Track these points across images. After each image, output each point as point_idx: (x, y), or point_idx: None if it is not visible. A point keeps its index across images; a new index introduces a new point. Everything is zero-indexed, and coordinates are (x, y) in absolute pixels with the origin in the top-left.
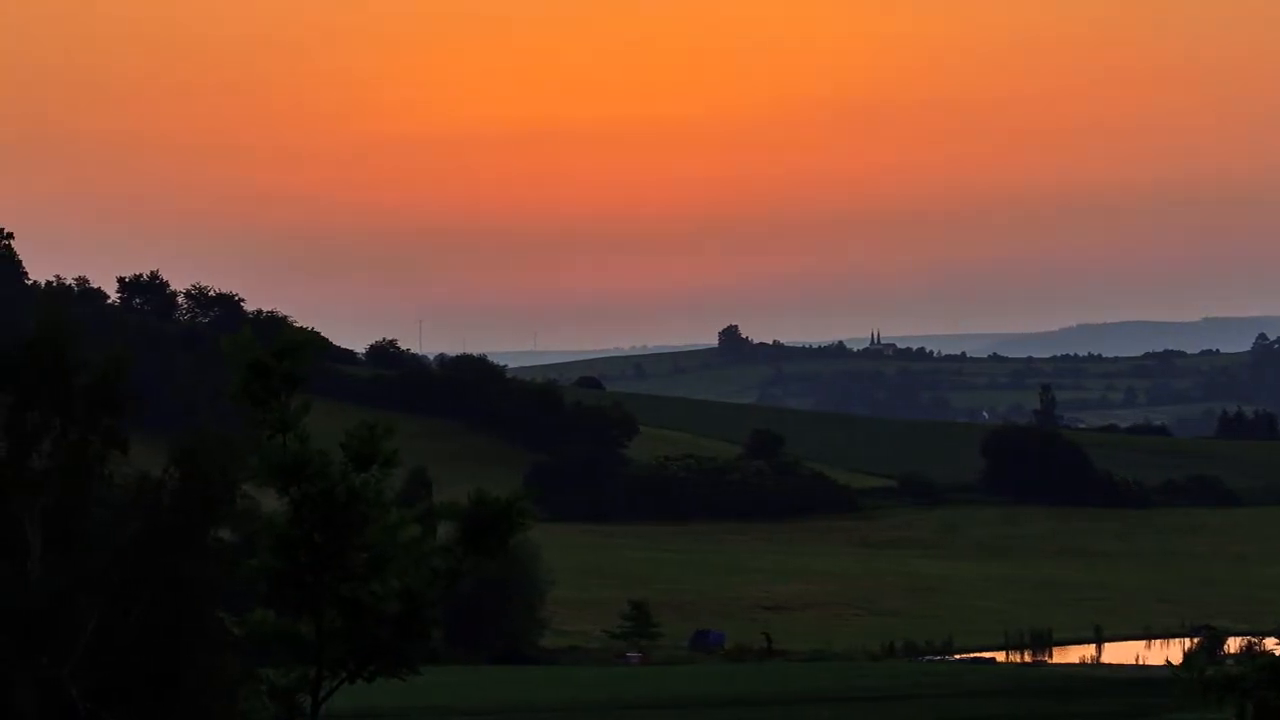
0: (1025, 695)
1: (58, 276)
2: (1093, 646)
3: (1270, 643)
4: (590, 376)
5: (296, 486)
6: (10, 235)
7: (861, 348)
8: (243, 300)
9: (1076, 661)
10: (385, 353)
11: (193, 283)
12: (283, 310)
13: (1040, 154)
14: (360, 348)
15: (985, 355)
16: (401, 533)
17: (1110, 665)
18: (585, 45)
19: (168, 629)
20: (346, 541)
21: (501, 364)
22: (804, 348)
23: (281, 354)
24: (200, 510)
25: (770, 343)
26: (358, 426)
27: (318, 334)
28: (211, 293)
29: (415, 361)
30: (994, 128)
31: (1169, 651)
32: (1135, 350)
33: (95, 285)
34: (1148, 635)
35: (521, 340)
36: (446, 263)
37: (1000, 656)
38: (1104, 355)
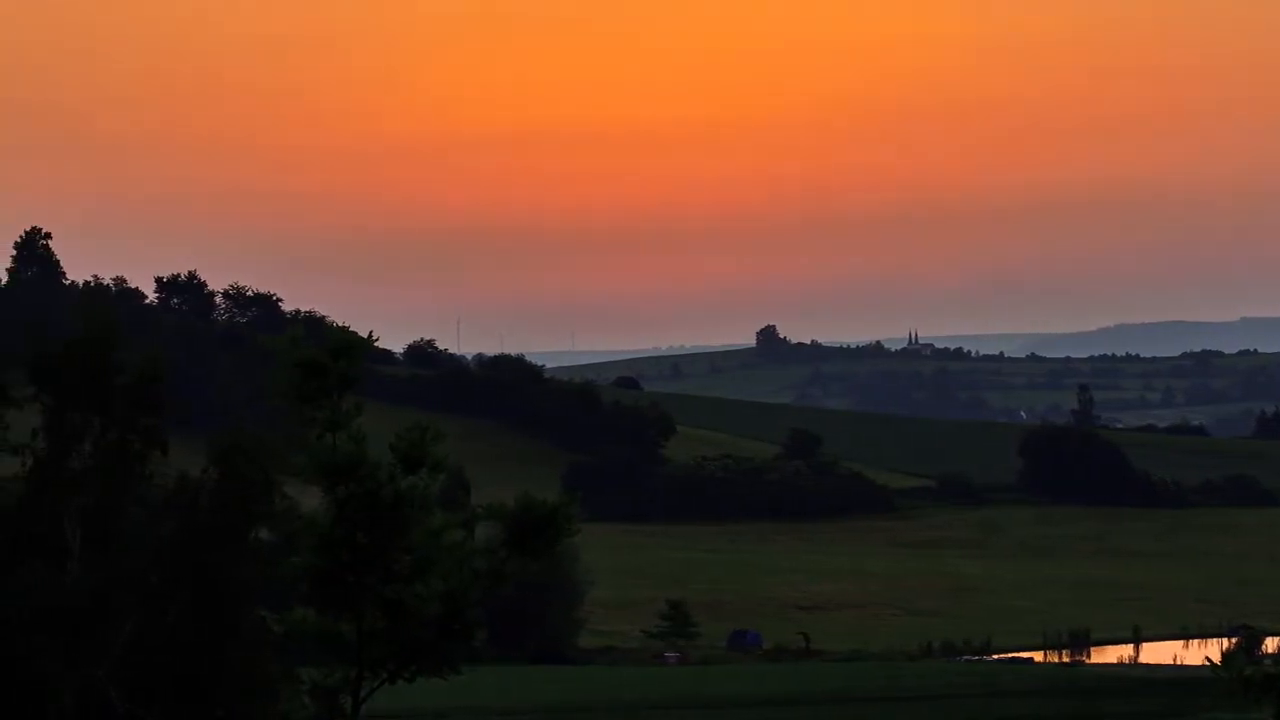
0: (1062, 695)
1: (95, 277)
2: (1131, 646)
3: None
4: (628, 376)
5: (343, 486)
6: (48, 236)
7: (899, 348)
8: (280, 300)
9: (1114, 661)
10: (423, 352)
11: (230, 283)
12: (320, 310)
13: (1079, 154)
14: (398, 348)
15: (1023, 355)
16: (445, 536)
17: (1148, 665)
18: (627, 47)
19: (206, 629)
20: (391, 543)
21: (539, 364)
22: (841, 348)
23: (337, 354)
24: (239, 510)
25: (808, 343)
26: (409, 429)
27: (361, 336)
28: (249, 293)
29: (453, 361)
30: (1034, 127)
31: (1207, 651)
32: (1173, 350)
33: (133, 285)
34: (1186, 635)
35: (559, 340)
36: (484, 263)
37: (1038, 657)
38: (1142, 355)
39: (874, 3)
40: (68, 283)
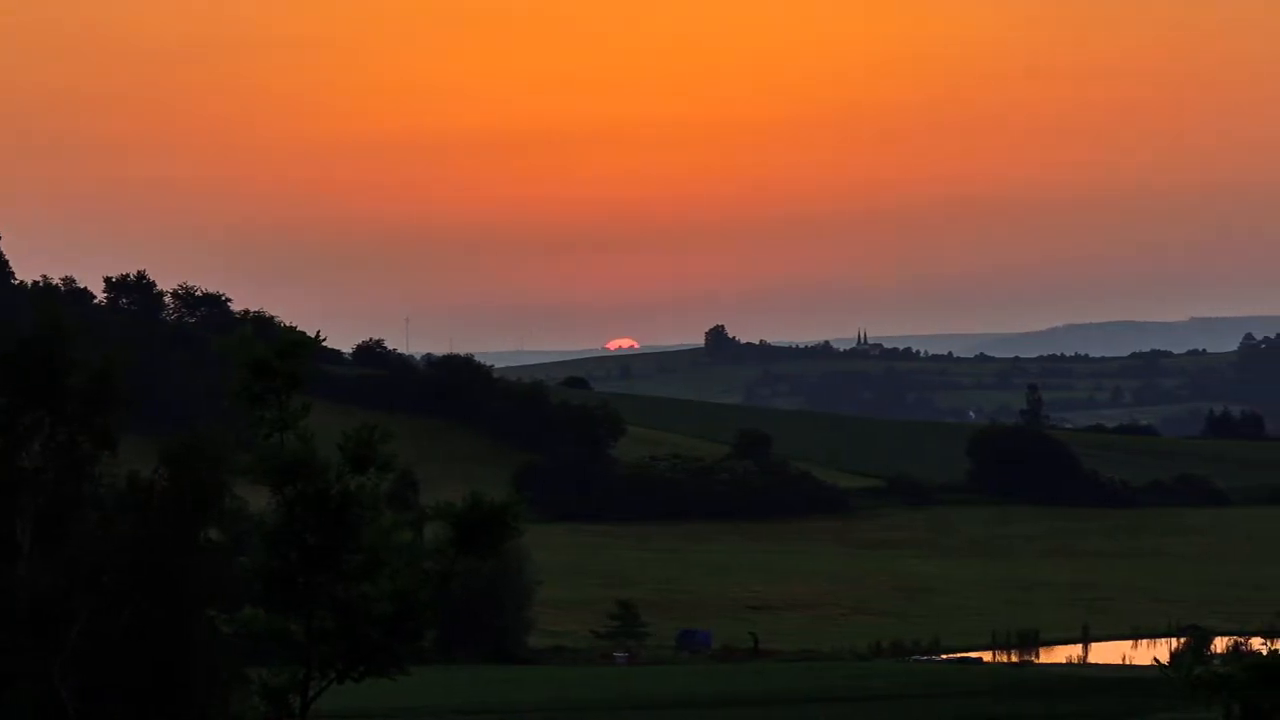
0: (1012, 695)
1: (44, 277)
2: (1079, 646)
3: (1257, 643)
4: (577, 376)
5: (291, 486)
6: None
7: (848, 348)
8: (230, 300)
9: (1063, 661)
10: (371, 352)
11: (179, 282)
12: (269, 310)
13: (1027, 155)
14: (346, 347)
15: (972, 355)
16: (394, 536)
17: (1097, 665)
18: (576, 45)
19: (157, 629)
20: (340, 543)
21: (488, 364)
22: (790, 348)
23: (283, 353)
24: (190, 510)
25: (757, 343)
26: (357, 428)
27: (308, 335)
28: (198, 292)
29: (402, 361)
30: (981, 128)
31: (1156, 651)
32: (1122, 350)
33: (82, 285)
34: (1135, 635)
35: (508, 340)
36: (434, 263)
37: (987, 656)
38: (1091, 355)
39: (824, 6)
40: (16, 283)
